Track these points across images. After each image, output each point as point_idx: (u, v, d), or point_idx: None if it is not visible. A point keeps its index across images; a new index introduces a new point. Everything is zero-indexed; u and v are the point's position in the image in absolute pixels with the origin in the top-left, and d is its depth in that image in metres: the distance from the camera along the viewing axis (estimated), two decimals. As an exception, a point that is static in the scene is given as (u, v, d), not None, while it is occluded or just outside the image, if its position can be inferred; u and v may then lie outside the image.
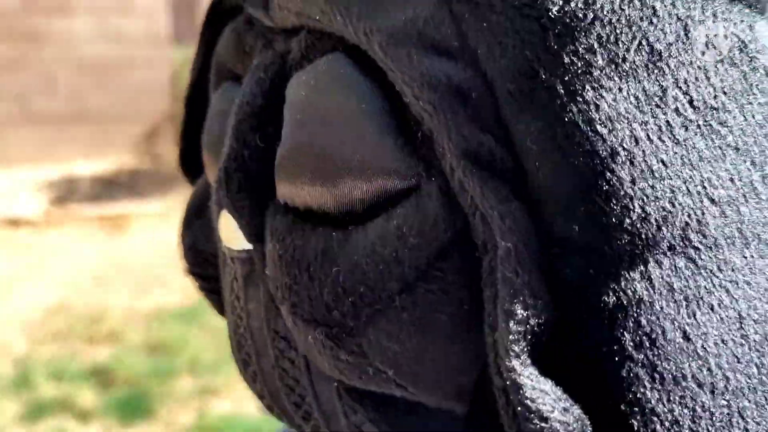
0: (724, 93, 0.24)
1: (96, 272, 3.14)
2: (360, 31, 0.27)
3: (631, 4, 0.23)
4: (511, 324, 0.23)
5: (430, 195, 0.26)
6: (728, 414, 0.23)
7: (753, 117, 0.24)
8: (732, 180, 0.24)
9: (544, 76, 0.23)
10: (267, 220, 0.31)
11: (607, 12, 0.23)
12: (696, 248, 0.23)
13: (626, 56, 0.23)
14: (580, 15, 0.23)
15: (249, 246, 0.33)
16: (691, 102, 0.23)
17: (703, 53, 0.24)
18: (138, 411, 2.12)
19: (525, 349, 0.23)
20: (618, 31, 0.23)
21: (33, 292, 2.91)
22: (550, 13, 0.23)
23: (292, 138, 0.30)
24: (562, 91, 0.23)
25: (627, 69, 0.23)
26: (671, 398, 0.23)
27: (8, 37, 4.56)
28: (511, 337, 0.23)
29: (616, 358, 0.23)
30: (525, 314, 0.23)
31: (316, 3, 0.29)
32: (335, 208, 0.29)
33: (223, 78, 0.39)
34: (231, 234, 0.34)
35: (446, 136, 0.24)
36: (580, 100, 0.23)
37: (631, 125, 0.23)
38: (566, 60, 0.23)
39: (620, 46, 0.23)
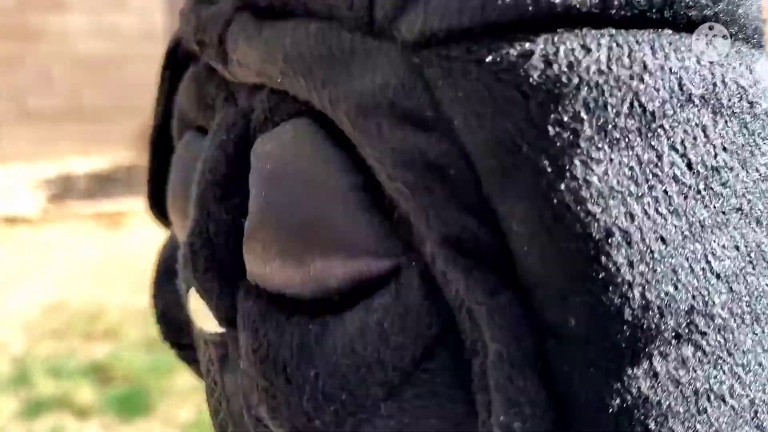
0: (725, 149, 0.22)
1: (94, 269, 3.14)
2: (324, 98, 0.24)
3: (619, 62, 0.21)
4: None
5: (411, 283, 0.24)
6: None
7: (756, 171, 0.22)
8: (737, 247, 0.22)
9: (527, 151, 0.21)
10: (238, 304, 0.29)
11: (594, 73, 0.21)
12: (703, 333, 0.21)
13: (617, 122, 0.20)
14: (564, 79, 0.21)
15: (222, 329, 0.30)
16: (689, 165, 0.21)
17: (699, 108, 0.21)
18: (137, 407, 2.12)
19: None
20: (606, 94, 0.21)
21: (31, 290, 2.91)
22: (530, 79, 0.21)
23: (258, 213, 0.27)
24: (548, 167, 0.20)
25: (618, 136, 0.21)
26: None
27: (3, 35, 4.55)
28: None
29: None
30: (523, 427, 0.21)
31: (275, 63, 0.26)
32: (309, 295, 0.26)
33: (186, 126, 0.37)
34: (202, 315, 0.31)
35: (424, 221, 0.22)
36: (569, 176, 0.20)
37: (625, 200, 0.20)
38: (551, 131, 0.20)
39: (609, 110, 0.21)
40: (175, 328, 0.39)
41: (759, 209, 0.22)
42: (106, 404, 2.13)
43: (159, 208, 0.43)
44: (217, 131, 0.31)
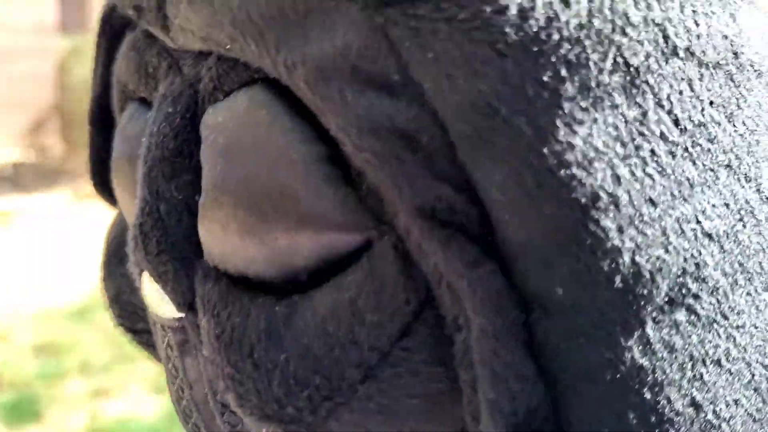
0: (711, 103, 0.21)
1: (-22, 270, 3.02)
2: (279, 64, 0.23)
3: (600, 15, 0.19)
4: (498, 417, 0.20)
5: (385, 257, 0.22)
6: None
7: (743, 124, 0.21)
8: (727, 205, 0.21)
9: (504, 114, 0.19)
10: (196, 286, 0.27)
11: (574, 28, 0.19)
12: (696, 296, 0.20)
13: (599, 79, 0.19)
14: (543, 36, 0.19)
15: (180, 314, 0.28)
16: (676, 122, 0.20)
17: (684, 61, 0.21)
18: (26, 414, 2.05)
19: None
20: (588, 50, 0.19)
21: None
22: (506, 37, 0.19)
23: (213, 190, 0.25)
24: (529, 130, 0.19)
25: (601, 95, 0.19)
26: None
27: None
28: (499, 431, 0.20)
29: None
30: (512, 403, 0.20)
31: (222, 28, 0.25)
32: (274, 275, 0.25)
33: (127, 98, 0.34)
34: (157, 300, 0.29)
35: (396, 192, 0.21)
36: (551, 139, 0.19)
37: (611, 162, 0.19)
38: (530, 92, 0.19)
39: (591, 67, 0.19)
40: (128, 312, 0.36)
41: (747, 164, 0.21)
42: (-8, 411, 2.06)
43: (104, 186, 0.40)
44: (162, 103, 0.29)
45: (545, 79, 0.19)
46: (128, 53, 0.32)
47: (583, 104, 0.19)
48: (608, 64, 0.19)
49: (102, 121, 0.38)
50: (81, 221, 3.55)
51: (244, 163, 0.24)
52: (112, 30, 0.35)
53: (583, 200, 0.19)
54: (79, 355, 2.35)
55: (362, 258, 0.23)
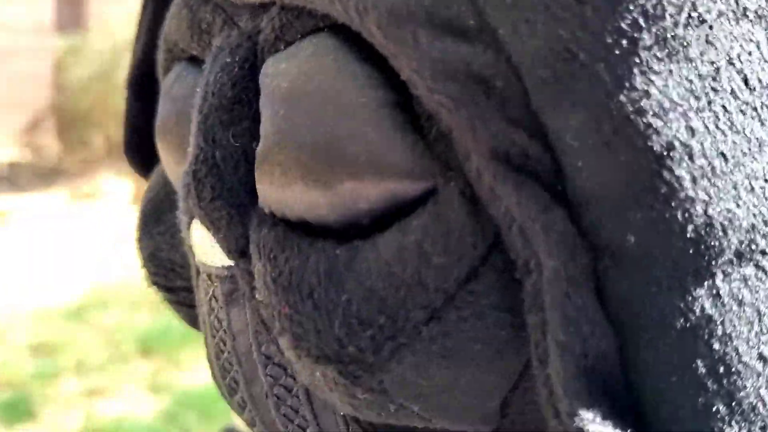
0: None
1: (-26, 269, 3.02)
2: (351, 8, 0.23)
3: None
4: (568, 358, 0.20)
5: (451, 202, 0.23)
6: None
7: None
8: None
9: (583, 59, 0.20)
10: (251, 233, 0.27)
11: None
12: (764, 252, 0.21)
13: (675, 31, 0.20)
14: None
15: (230, 262, 0.29)
16: (746, 81, 0.21)
17: (753, 23, 0.21)
18: (22, 414, 2.05)
19: (586, 388, 0.20)
20: (665, 2, 0.20)
21: None
22: None
23: (277, 135, 0.25)
24: (607, 76, 0.20)
25: (677, 47, 0.20)
26: (752, 431, 0.21)
27: None
28: (569, 374, 0.20)
29: (690, 391, 0.21)
30: (583, 346, 0.20)
31: None
32: (336, 220, 0.25)
33: (175, 58, 0.34)
34: (206, 248, 0.29)
35: (471, 135, 0.21)
36: (628, 86, 0.20)
37: (686, 114, 0.20)
38: (608, 39, 0.20)
39: (668, 19, 0.20)
40: (165, 269, 0.36)
41: None
42: (-12, 411, 2.06)
43: (135, 154, 0.40)
44: (219, 55, 0.29)
45: (623, 27, 0.20)
46: (180, 11, 0.33)
47: (660, 55, 0.20)
48: (683, 18, 0.20)
49: (141, 86, 0.38)
50: (77, 221, 3.55)
51: (310, 108, 0.24)
52: None
53: (659, 149, 0.20)
54: (75, 354, 2.35)
55: (428, 203, 0.23)
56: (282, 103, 0.25)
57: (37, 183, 4.23)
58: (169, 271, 0.36)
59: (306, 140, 0.24)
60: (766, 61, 0.21)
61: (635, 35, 0.20)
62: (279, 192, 0.26)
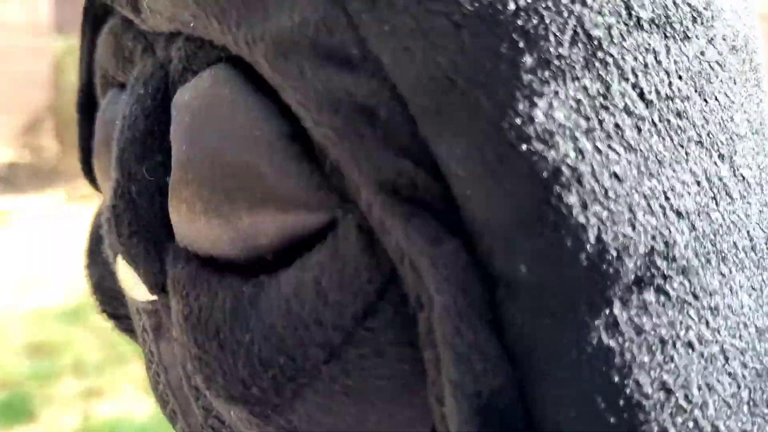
0: (680, 77, 0.20)
1: (-28, 270, 3.02)
2: (240, 40, 0.22)
3: None
4: (461, 398, 0.19)
5: (348, 236, 0.22)
6: None
7: (715, 99, 0.21)
8: (698, 183, 0.20)
9: (462, 87, 0.19)
10: (167, 268, 0.26)
11: None
12: (665, 276, 0.20)
13: (559, 51, 0.19)
14: (499, 6, 0.19)
15: (152, 297, 0.28)
16: (641, 95, 0.20)
17: (649, 33, 0.20)
18: (19, 414, 2.06)
19: (482, 425, 0.20)
20: (547, 21, 0.19)
21: None
22: (462, 8, 0.19)
23: (180, 169, 0.25)
24: (487, 103, 0.19)
25: (562, 67, 0.19)
26: None
27: None
28: (463, 415, 0.19)
29: (590, 426, 0.20)
30: (475, 384, 0.19)
31: (185, 7, 0.24)
32: (239, 255, 0.24)
33: (108, 84, 0.34)
34: (131, 283, 0.29)
35: (356, 167, 0.20)
36: (510, 112, 0.19)
37: (574, 136, 0.19)
38: (488, 64, 0.19)
39: (551, 39, 0.19)
40: (109, 298, 0.35)
41: (720, 141, 0.21)
42: (-15, 411, 2.06)
43: (92, 174, 0.39)
44: (135, 85, 0.28)
45: (502, 50, 0.19)
46: (107, 39, 0.32)
47: (543, 77, 0.19)
48: (568, 36, 0.19)
49: (90, 110, 0.37)
50: (75, 222, 3.54)
51: (208, 142, 0.24)
52: (95, 17, 0.35)
53: (545, 175, 0.19)
54: (72, 355, 2.36)
55: (327, 237, 0.22)
56: (185, 137, 0.25)
57: (35, 184, 4.23)
58: (113, 300, 0.35)
59: (206, 174, 0.24)
60: (665, 71, 0.20)
61: (516, 58, 0.19)
62: (187, 227, 0.25)
